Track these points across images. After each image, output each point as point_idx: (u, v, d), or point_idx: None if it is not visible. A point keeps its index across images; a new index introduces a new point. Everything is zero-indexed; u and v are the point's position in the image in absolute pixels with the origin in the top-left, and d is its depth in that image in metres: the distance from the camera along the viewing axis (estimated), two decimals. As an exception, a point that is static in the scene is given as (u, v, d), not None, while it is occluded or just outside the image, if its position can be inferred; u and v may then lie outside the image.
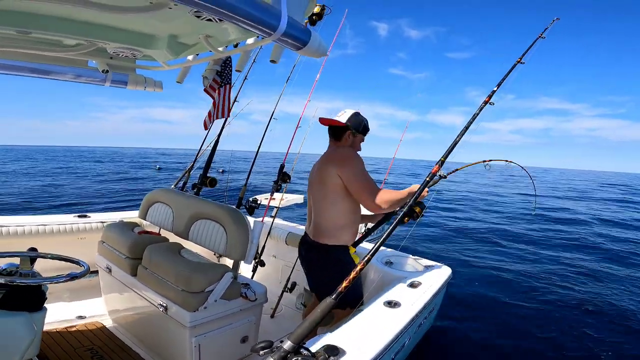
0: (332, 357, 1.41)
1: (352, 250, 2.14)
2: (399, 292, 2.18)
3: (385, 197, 2.01)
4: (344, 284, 1.23)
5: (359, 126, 2.23)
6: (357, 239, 2.31)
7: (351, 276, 1.27)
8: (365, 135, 2.31)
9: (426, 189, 2.10)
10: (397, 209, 2.18)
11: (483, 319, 4.01)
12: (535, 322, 4.01)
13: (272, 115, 3.19)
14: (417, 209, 2.13)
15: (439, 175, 1.58)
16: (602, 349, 3.53)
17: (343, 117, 2.22)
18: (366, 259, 1.31)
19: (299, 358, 1.08)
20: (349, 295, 1.74)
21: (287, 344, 1.10)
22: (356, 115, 2.25)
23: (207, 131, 2.92)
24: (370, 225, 2.54)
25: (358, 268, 1.28)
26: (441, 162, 1.60)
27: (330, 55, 3.18)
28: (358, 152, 2.30)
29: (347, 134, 2.22)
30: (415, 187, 2.09)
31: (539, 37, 2.13)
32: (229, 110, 2.40)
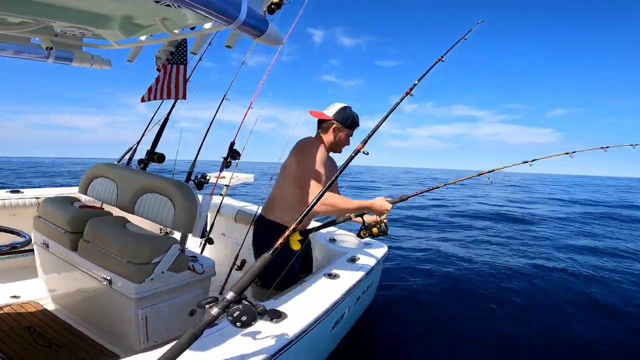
0: (275, 319, 1.57)
1: (296, 236, 2.03)
2: (339, 266, 2.39)
3: (326, 201, 1.96)
4: (280, 240, 1.32)
5: (345, 120, 2.21)
6: (309, 227, 2.32)
7: (283, 236, 1.35)
8: (353, 130, 2.29)
9: (390, 205, 2.13)
10: (350, 216, 2.20)
11: (425, 295, 4.09)
12: (475, 299, 4.03)
13: (224, 96, 3.17)
14: (375, 230, 2.20)
15: (363, 151, 1.73)
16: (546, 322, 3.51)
17: (331, 111, 2.21)
18: (293, 226, 1.39)
19: (240, 306, 1.18)
20: (276, 272, 1.79)
21: (230, 295, 1.20)
22: (344, 109, 2.22)
23: (148, 103, 2.79)
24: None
25: (287, 233, 1.35)
26: (365, 141, 1.74)
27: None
28: (346, 146, 2.32)
29: (332, 127, 2.20)
30: (368, 203, 2.11)
31: (462, 38, 2.18)
32: (184, 91, 2.37)
